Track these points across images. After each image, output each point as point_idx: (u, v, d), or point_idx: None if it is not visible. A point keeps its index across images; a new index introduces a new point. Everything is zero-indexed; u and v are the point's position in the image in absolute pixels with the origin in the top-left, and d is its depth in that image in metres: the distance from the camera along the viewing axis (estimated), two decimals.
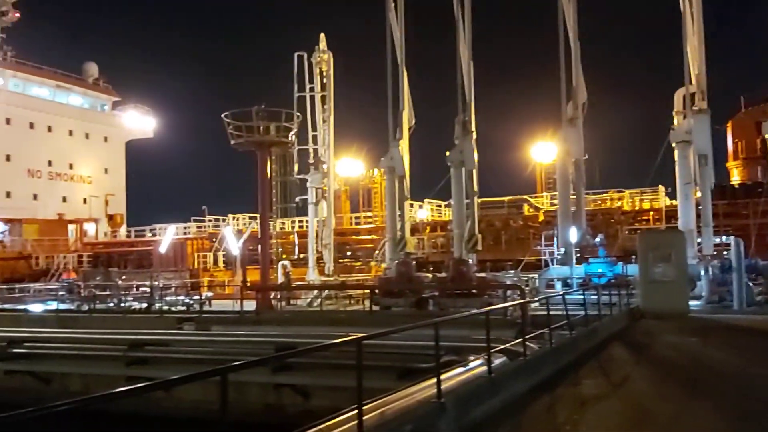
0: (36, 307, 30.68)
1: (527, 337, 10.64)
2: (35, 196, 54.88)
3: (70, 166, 58.59)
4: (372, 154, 50.30)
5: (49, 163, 56.80)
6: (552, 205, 41.87)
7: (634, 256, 25.80)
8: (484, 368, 9.00)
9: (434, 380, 7.53)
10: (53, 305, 31.13)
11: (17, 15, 58.73)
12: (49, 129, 57.21)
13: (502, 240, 41.43)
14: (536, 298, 18.95)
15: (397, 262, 27.78)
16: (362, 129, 55.54)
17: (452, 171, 29.28)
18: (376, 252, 40.48)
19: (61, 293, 33.85)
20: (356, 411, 5.80)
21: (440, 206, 48.04)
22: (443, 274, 27.96)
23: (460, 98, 29.26)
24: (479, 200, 30.57)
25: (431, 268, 32.35)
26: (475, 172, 29.05)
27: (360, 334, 6.22)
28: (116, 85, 65.29)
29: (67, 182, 58.13)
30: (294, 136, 32.30)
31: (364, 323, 22.54)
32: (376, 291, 26.18)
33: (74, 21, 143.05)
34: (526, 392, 9.43)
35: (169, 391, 16.39)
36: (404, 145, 30.78)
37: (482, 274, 27.24)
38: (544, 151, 50.13)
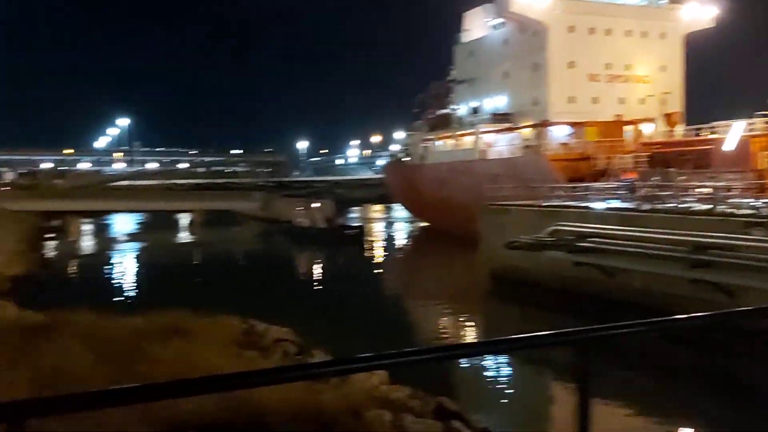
0: (597, 205, 32.47)
1: None
2: (595, 100, 57.35)
3: (626, 67, 58.92)
4: None
5: (607, 66, 58.25)
6: None
7: None
8: None
9: None
10: (613, 204, 32.41)
11: None
12: (607, 32, 58.36)
13: None
14: None
15: None
16: None
17: None
18: None
19: (620, 192, 34.84)
20: None
21: None
22: None
23: None
24: None
25: None
26: None
27: None
28: None
29: (623, 84, 58.81)
30: None
31: None
32: None
33: None
34: None
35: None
36: None
37: None
38: None
